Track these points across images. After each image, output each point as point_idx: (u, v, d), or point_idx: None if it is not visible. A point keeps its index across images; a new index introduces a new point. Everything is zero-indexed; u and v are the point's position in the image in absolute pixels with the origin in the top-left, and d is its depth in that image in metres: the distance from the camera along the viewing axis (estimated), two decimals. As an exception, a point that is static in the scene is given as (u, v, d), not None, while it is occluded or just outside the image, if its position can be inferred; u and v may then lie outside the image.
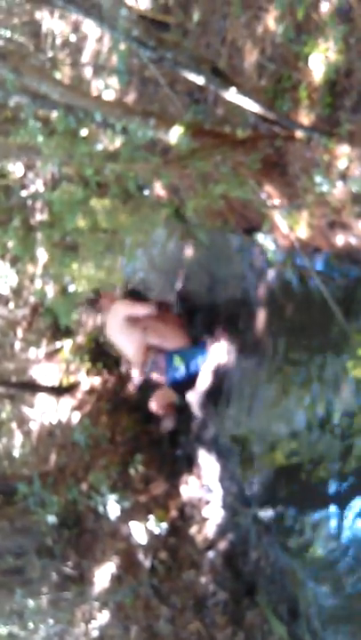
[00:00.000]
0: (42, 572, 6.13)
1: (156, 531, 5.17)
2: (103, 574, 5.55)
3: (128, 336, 4.91)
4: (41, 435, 8.28)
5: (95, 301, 5.02)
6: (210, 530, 4.95)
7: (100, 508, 5.66)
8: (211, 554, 4.85)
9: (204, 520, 5.04)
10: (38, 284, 8.40)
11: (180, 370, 4.92)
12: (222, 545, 4.80)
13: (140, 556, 5.26)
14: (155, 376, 5.16)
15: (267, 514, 4.46)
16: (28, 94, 3.25)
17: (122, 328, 4.90)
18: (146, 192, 5.31)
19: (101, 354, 7.56)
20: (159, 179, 4.60)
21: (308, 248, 3.67)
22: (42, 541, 6.15)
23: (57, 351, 8.69)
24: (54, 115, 3.44)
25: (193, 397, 5.07)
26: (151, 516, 5.24)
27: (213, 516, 4.98)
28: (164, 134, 3.09)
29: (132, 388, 6.96)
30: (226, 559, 4.73)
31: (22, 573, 6.37)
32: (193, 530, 5.09)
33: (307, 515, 4.23)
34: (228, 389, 4.85)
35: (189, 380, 5.01)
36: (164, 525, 5.16)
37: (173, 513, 5.26)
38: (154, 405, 5.29)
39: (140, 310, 4.94)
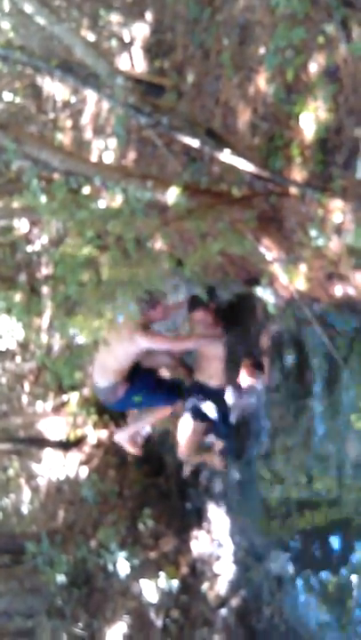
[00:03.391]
0: (52, 634, 6.01)
1: (167, 588, 5.08)
2: (115, 634, 5.43)
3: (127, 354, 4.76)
4: (49, 490, 8.20)
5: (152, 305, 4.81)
6: (222, 586, 4.86)
7: (110, 566, 5.57)
8: (223, 611, 4.75)
9: (216, 576, 4.95)
10: (44, 337, 8.46)
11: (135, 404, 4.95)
12: (235, 602, 4.70)
13: (152, 615, 5.15)
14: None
15: (280, 568, 4.38)
16: (30, 159, 3.35)
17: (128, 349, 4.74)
18: (147, 245, 5.41)
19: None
20: (159, 235, 4.69)
21: (307, 299, 3.71)
22: (52, 602, 6.05)
23: (64, 404, 8.68)
24: (56, 175, 3.54)
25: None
26: (162, 573, 5.15)
27: (225, 571, 4.89)
28: (161, 195, 3.17)
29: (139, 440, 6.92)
30: (239, 616, 4.63)
31: (32, 635, 6.24)
32: (205, 586, 4.99)
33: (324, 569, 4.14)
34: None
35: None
36: (176, 582, 5.07)
37: (184, 569, 5.17)
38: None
39: (162, 345, 4.80)
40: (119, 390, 4.62)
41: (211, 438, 5.02)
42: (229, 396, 4.91)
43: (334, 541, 3.98)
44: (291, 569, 4.20)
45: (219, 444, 4.89)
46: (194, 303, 4.92)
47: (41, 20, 3.13)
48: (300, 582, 4.09)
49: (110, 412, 7.54)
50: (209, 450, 5.19)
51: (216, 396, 4.90)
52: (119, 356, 4.47)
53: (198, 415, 4.96)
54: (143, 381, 4.75)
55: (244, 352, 4.74)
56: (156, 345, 4.56)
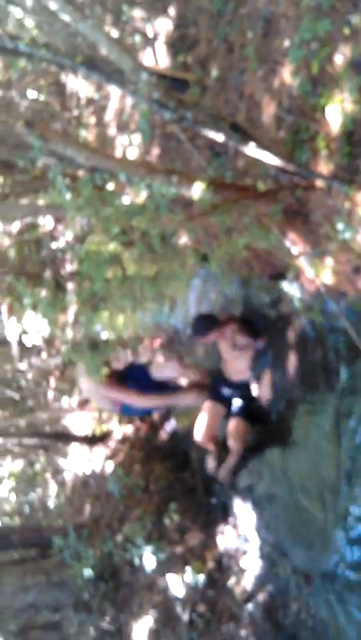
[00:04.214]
0: (79, 628, 6.06)
1: (194, 583, 5.08)
2: (141, 629, 5.45)
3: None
4: (75, 485, 8.28)
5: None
6: (248, 581, 4.85)
7: (136, 561, 5.60)
8: (250, 606, 4.74)
9: (242, 571, 4.94)
10: (70, 333, 8.51)
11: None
12: (262, 597, 4.68)
13: (178, 610, 5.17)
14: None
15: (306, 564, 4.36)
16: (55, 156, 3.37)
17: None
18: (172, 241, 5.42)
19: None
20: (184, 231, 4.69)
21: (334, 293, 3.68)
22: (78, 595, 6.09)
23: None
24: (81, 172, 3.57)
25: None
26: (188, 568, 5.16)
27: (251, 566, 4.88)
28: (186, 190, 3.17)
29: (164, 435, 6.94)
30: (266, 611, 4.61)
31: (60, 628, 6.31)
32: (231, 581, 4.99)
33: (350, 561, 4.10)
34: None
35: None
36: (202, 577, 5.07)
37: (210, 564, 5.17)
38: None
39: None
40: (116, 408, 4.90)
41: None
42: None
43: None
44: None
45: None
46: (205, 325, 4.80)
47: (65, 17, 3.14)
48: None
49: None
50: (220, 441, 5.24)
51: (241, 387, 4.92)
52: (99, 401, 4.80)
53: (220, 398, 4.98)
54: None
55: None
56: (127, 400, 5.02)
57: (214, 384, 5.10)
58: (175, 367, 5.31)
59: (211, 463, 5.27)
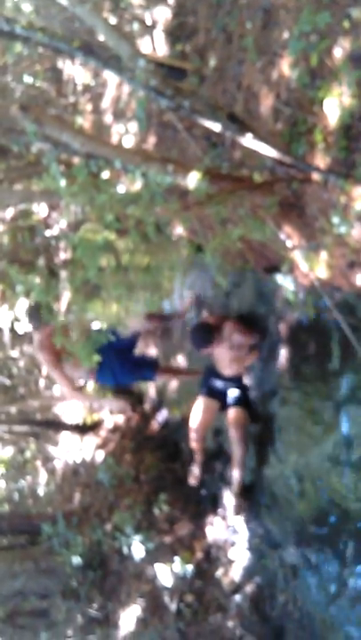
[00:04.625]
0: (67, 615, 6.08)
1: (182, 573, 5.10)
2: (128, 617, 5.48)
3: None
4: (65, 473, 8.28)
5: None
6: (236, 572, 4.87)
7: (125, 549, 5.61)
8: (237, 597, 4.77)
9: (231, 562, 4.97)
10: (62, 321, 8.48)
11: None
12: (249, 588, 4.71)
13: (166, 599, 5.19)
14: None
15: (294, 556, 4.38)
16: (50, 141, 3.34)
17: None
18: (167, 231, 5.39)
19: (124, 391, 7.58)
20: (179, 221, 4.66)
21: (328, 288, 3.67)
22: (67, 583, 6.11)
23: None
24: (76, 159, 3.53)
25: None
26: (176, 558, 5.18)
27: (240, 558, 4.91)
28: (182, 179, 3.15)
29: (155, 425, 6.95)
30: (253, 603, 4.65)
31: (47, 615, 6.33)
32: (219, 572, 5.01)
33: (337, 555, 4.13)
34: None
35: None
36: (190, 567, 5.09)
37: (199, 555, 5.19)
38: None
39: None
40: (90, 377, 4.95)
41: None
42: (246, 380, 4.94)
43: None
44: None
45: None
46: (204, 337, 4.69)
47: (63, 1, 3.10)
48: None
49: (127, 397, 7.57)
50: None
51: (235, 379, 4.92)
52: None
53: (213, 394, 4.97)
54: (104, 372, 5.14)
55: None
56: (61, 385, 5.15)
57: (206, 378, 5.08)
58: (137, 321, 5.24)
59: (194, 474, 5.28)
